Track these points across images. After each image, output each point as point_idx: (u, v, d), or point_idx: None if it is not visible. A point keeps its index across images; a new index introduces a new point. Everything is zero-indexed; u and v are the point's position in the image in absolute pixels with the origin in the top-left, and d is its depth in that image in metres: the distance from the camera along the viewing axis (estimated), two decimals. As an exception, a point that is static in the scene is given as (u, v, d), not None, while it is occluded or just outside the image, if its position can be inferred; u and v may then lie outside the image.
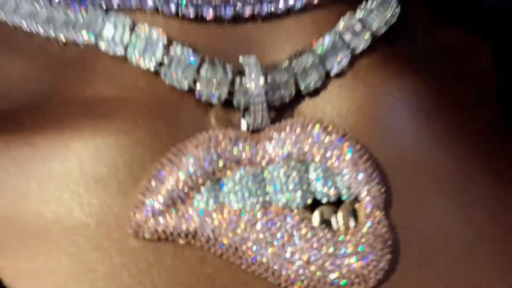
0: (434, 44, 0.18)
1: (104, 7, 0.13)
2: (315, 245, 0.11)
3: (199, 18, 0.13)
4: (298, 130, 0.12)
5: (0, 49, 0.15)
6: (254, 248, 0.11)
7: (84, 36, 0.13)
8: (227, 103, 0.13)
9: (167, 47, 0.13)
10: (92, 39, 0.13)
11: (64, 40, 0.14)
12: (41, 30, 0.14)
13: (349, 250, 0.11)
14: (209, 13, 0.13)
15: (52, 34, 0.14)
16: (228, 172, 0.12)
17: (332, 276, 0.11)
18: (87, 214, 0.12)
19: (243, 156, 0.12)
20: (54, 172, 0.13)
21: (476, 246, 0.13)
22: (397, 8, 0.16)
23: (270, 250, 0.11)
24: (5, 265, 0.13)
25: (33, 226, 0.13)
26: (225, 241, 0.11)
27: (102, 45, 0.13)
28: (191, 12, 0.13)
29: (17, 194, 0.13)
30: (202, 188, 0.11)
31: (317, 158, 0.12)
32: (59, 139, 0.13)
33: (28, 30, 0.14)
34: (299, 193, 0.12)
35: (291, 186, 0.12)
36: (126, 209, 0.12)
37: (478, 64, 0.18)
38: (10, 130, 0.14)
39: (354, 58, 0.14)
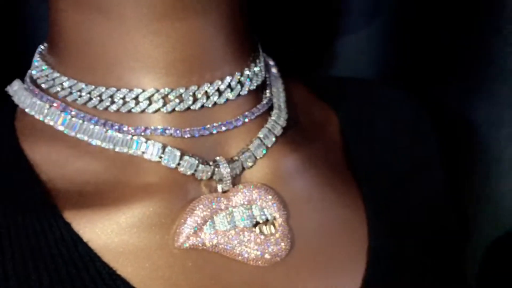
0: (307, 120, 0.33)
1: (142, 134, 0.26)
2: (258, 242, 0.26)
3: (192, 136, 0.26)
4: (246, 190, 0.26)
5: (70, 152, 0.27)
6: (231, 246, 0.25)
7: (135, 153, 0.26)
8: (209, 178, 0.27)
9: (181, 156, 0.26)
10: (140, 153, 0.26)
11: (119, 151, 0.26)
12: (103, 145, 0.26)
13: (273, 242, 0.26)
14: (197, 134, 0.26)
15: (111, 147, 0.26)
16: (217, 214, 0.25)
17: (266, 255, 0.26)
18: (144, 242, 0.25)
19: (222, 206, 0.26)
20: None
21: (332, 235, 0.28)
22: (286, 114, 0.30)
23: (240, 247, 0.25)
24: None
25: None
26: (222, 244, 0.25)
27: (146, 156, 0.26)
28: (188, 134, 0.26)
29: None
30: (207, 223, 0.25)
31: (255, 201, 0.26)
32: (120, 208, 0.25)
33: (93, 143, 0.26)
34: (249, 221, 0.26)
35: (245, 217, 0.26)
36: (168, 236, 0.25)
37: (331, 127, 0.33)
38: (83, 204, 0.25)
39: (267, 149, 0.28)
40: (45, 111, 0.27)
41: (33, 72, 0.28)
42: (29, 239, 0.24)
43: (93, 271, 0.23)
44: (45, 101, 0.27)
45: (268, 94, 0.30)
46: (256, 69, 0.29)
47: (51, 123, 0.27)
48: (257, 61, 0.29)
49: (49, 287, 0.23)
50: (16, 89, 0.29)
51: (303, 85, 0.35)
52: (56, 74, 0.27)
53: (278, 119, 0.29)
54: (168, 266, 0.25)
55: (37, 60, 0.28)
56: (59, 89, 0.27)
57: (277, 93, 0.31)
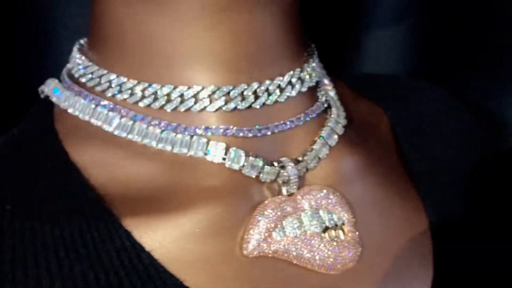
0: (358, 119, 0.31)
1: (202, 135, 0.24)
2: (329, 247, 0.24)
3: (254, 136, 0.25)
4: (313, 192, 0.25)
5: (122, 154, 0.25)
6: (300, 253, 0.24)
7: (196, 154, 0.24)
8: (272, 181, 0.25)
9: (245, 157, 0.24)
10: (202, 154, 0.24)
11: (178, 153, 0.24)
12: (159, 146, 0.24)
13: (343, 248, 0.24)
14: (259, 134, 0.25)
15: (169, 149, 0.24)
16: (285, 219, 0.24)
17: (337, 262, 0.24)
18: (209, 251, 0.23)
19: (290, 210, 0.24)
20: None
21: (397, 239, 0.27)
22: (343, 112, 0.28)
23: (310, 253, 0.24)
24: None
25: None
26: (293, 251, 0.23)
27: (208, 158, 0.24)
28: (250, 134, 0.25)
29: None
30: (276, 229, 0.24)
31: (323, 206, 0.25)
32: (182, 214, 0.23)
33: (148, 144, 0.24)
34: (318, 225, 0.24)
35: (315, 221, 0.24)
36: (234, 244, 0.23)
37: (382, 126, 0.32)
38: (141, 210, 0.23)
39: (330, 148, 0.26)
40: (91, 111, 0.25)
41: (74, 69, 0.26)
42: (87, 249, 0.22)
43: (159, 282, 0.22)
44: (90, 100, 0.25)
45: (323, 92, 0.28)
46: (314, 64, 0.27)
47: (99, 123, 0.25)
48: (314, 57, 0.28)
49: None
50: (55, 86, 0.26)
51: (344, 84, 0.34)
52: (103, 71, 0.25)
53: (338, 118, 0.27)
54: (236, 276, 0.23)
55: (78, 57, 0.26)
56: (106, 87, 0.25)
57: (331, 93, 0.29)
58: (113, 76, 0.25)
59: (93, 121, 0.25)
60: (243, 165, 0.24)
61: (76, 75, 0.26)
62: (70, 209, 0.23)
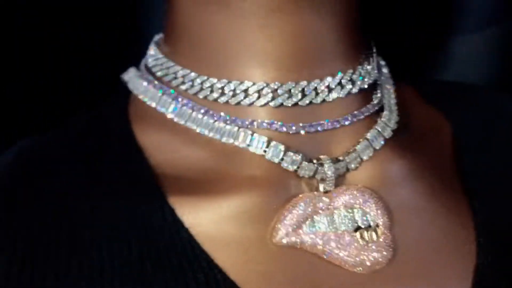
0: (417, 125, 0.31)
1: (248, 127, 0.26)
2: (359, 247, 0.25)
3: (297, 133, 0.26)
4: (349, 192, 0.25)
5: (179, 140, 0.27)
6: (330, 249, 0.24)
7: (240, 144, 0.26)
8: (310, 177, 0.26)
9: (285, 152, 0.26)
10: (245, 145, 0.26)
11: (225, 142, 0.26)
12: (211, 135, 0.27)
13: (373, 250, 0.25)
14: (302, 131, 0.26)
15: (218, 138, 0.26)
16: (317, 214, 0.25)
17: (366, 262, 0.24)
18: (243, 235, 0.25)
19: (323, 206, 0.25)
20: None
21: (437, 249, 0.26)
22: (397, 116, 0.28)
23: (339, 251, 0.24)
24: None
25: None
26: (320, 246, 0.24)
27: (251, 149, 0.26)
28: (293, 130, 0.26)
29: None
30: (307, 222, 0.25)
31: (357, 205, 0.25)
32: (223, 197, 0.25)
33: (201, 132, 0.27)
34: (350, 224, 0.25)
35: (347, 220, 0.25)
36: (266, 231, 0.25)
37: (442, 135, 0.31)
38: (188, 191, 0.25)
39: (375, 151, 0.27)
40: (157, 98, 0.28)
41: (149, 60, 0.30)
42: (135, 221, 0.25)
43: (192, 257, 0.24)
44: (158, 89, 0.28)
45: (379, 95, 0.29)
46: (369, 67, 0.28)
47: (163, 110, 0.28)
48: (370, 59, 0.28)
49: (150, 269, 0.24)
50: (131, 76, 0.30)
51: (413, 89, 0.33)
52: (170, 63, 0.28)
53: (388, 121, 0.28)
54: (265, 261, 0.24)
55: (153, 50, 0.30)
56: (172, 77, 0.28)
57: (387, 94, 0.29)
58: (178, 68, 0.27)
59: (158, 107, 0.28)
60: (282, 159, 0.25)
61: (150, 65, 0.29)
62: (127, 183, 0.26)
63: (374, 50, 0.29)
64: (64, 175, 0.27)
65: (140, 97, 0.29)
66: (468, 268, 0.26)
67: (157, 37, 0.31)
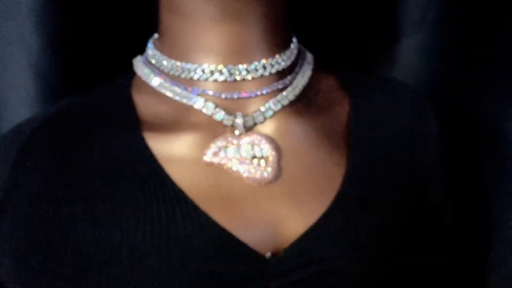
0: (321, 101, 0.46)
1: (199, 94, 0.42)
2: (252, 169, 0.40)
3: (226, 98, 0.42)
4: (252, 135, 0.41)
5: (158, 101, 0.44)
6: (236, 167, 0.40)
7: (192, 104, 0.42)
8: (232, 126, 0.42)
9: (215, 108, 0.42)
10: (192, 103, 0.42)
11: (184, 102, 0.43)
12: (176, 98, 0.43)
13: (263, 170, 0.40)
14: (229, 96, 0.42)
15: (179, 99, 0.43)
16: (229, 145, 0.41)
17: (257, 176, 0.40)
18: (191, 156, 0.41)
19: (234, 142, 0.41)
20: None
21: (314, 174, 0.42)
22: (298, 93, 0.43)
23: (241, 169, 0.40)
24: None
25: None
26: (229, 164, 0.40)
27: (195, 106, 0.42)
28: (225, 96, 0.42)
29: None
30: (223, 149, 0.40)
31: (256, 143, 0.41)
32: (180, 135, 0.42)
33: (171, 96, 0.43)
34: (249, 154, 0.40)
35: (247, 151, 0.40)
36: (201, 155, 0.41)
37: (341, 108, 0.46)
38: (158, 130, 0.42)
39: (274, 113, 0.42)
40: (148, 75, 0.45)
41: (148, 51, 0.47)
42: (118, 146, 0.39)
43: (151, 168, 0.39)
44: (150, 69, 0.45)
45: (289, 77, 0.44)
46: (280, 59, 0.43)
47: (149, 81, 0.44)
48: (285, 52, 0.43)
49: (119, 175, 0.39)
50: (137, 60, 0.47)
51: (333, 77, 0.48)
52: (157, 53, 0.45)
53: (288, 95, 0.43)
54: (198, 172, 0.40)
55: (150, 44, 0.47)
56: (157, 61, 0.44)
57: (300, 78, 0.44)
58: (160, 56, 0.44)
59: (147, 80, 0.45)
60: (212, 113, 0.41)
61: (147, 55, 0.46)
62: (121, 125, 0.43)
63: (294, 46, 0.44)
64: (82, 120, 0.40)
65: (138, 74, 0.46)
66: (331, 193, 0.41)
67: (155, 35, 0.48)
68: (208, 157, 0.40)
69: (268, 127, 0.42)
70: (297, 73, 0.44)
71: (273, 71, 0.42)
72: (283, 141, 0.42)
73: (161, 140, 0.41)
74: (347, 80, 0.46)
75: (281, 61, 0.43)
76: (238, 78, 0.41)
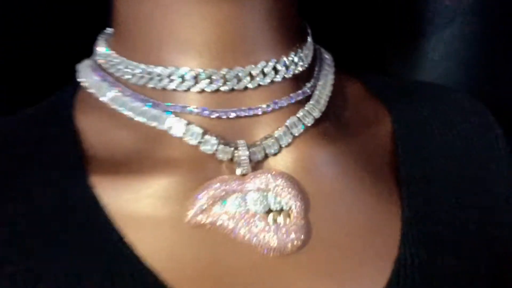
0: (353, 117, 0.31)
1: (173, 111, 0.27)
2: (268, 230, 0.25)
3: (218, 117, 0.27)
4: (263, 175, 0.26)
5: (112, 124, 0.28)
6: (239, 230, 0.25)
7: (163, 128, 0.27)
8: (230, 160, 0.27)
9: (202, 135, 0.26)
10: (166, 128, 0.27)
11: (149, 125, 0.27)
12: (137, 118, 0.28)
13: (284, 232, 0.25)
14: (224, 115, 0.27)
15: (143, 121, 0.27)
16: (230, 195, 0.25)
17: (274, 243, 0.25)
18: (159, 213, 0.26)
19: (236, 188, 0.26)
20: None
21: (357, 234, 0.27)
22: (324, 107, 0.29)
23: (248, 232, 0.25)
24: None
25: None
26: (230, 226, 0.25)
27: (171, 132, 0.27)
28: (215, 115, 0.27)
29: None
30: (218, 203, 0.25)
31: (271, 189, 0.26)
32: (143, 178, 0.26)
33: (130, 116, 0.28)
34: (262, 207, 0.25)
35: (258, 202, 0.25)
36: (181, 211, 0.26)
37: (381, 127, 0.31)
38: (111, 171, 0.26)
39: (294, 138, 0.27)
40: (97, 85, 0.29)
41: (97, 51, 0.31)
42: (55, 197, 0.26)
43: (103, 232, 0.25)
44: (99, 76, 0.29)
45: (308, 85, 0.29)
46: (296, 58, 0.28)
47: (100, 95, 0.29)
48: (300, 50, 0.29)
49: (63, 241, 0.25)
50: (82, 66, 0.31)
51: (360, 83, 0.34)
52: (109, 52, 0.29)
53: (312, 110, 0.28)
54: (175, 239, 0.25)
55: (100, 40, 0.31)
56: (110, 65, 0.29)
57: (322, 86, 0.30)
58: (115, 56, 0.29)
59: (97, 93, 0.29)
60: (200, 142, 0.26)
61: (96, 57, 0.31)
62: (57, 164, 0.27)
63: (309, 43, 0.30)
64: (2, 157, 0.28)
65: (84, 84, 0.30)
66: (388, 258, 0.26)
67: (108, 29, 0.32)
68: (193, 215, 0.25)
69: (286, 161, 0.27)
70: (317, 80, 0.30)
71: (288, 75, 0.28)
72: (310, 181, 0.27)
73: (118, 189, 0.26)
74: (377, 86, 0.33)
75: (298, 60, 0.28)
76: (236, 87, 0.27)
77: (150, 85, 0.27)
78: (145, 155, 0.27)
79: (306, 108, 0.28)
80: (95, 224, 0.25)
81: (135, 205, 0.26)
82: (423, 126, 0.32)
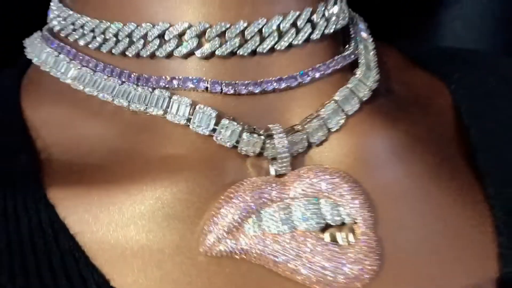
0: (405, 90, 0.24)
1: (166, 87, 0.18)
2: (328, 256, 0.16)
3: (236, 94, 0.18)
4: (311, 174, 0.17)
5: (78, 113, 0.20)
6: (284, 258, 0.16)
7: (154, 111, 0.18)
8: (258, 155, 0.18)
9: (217, 119, 0.18)
10: (161, 112, 0.18)
11: (135, 110, 0.19)
12: (116, 101, 0.19)
13: (351, 259, 0.17)
14: (243, 90, 0.18)
15: (125, 105, 0.19)
16: (266, 208, 0.17)
17: (340, 278, 0.16)
18: (156, 241, 0.17)
19: (274, 196, 0.17)
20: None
21: (442, 249, 0.19)
22: (377, 75, 0.21)
23: (299, 261, 0.16)
24: None
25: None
26: (270, 254, 0.16)
27: (169, 117, 0.18)
28: (231, 90, 0.18)
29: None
30: (250, 220, 0.17)
31: (325, 194, 0.17)
32: (128, 189, 0.18)
33: (104, 99, 0.19)
34: (315, 221, 0.17)
35: (309, 215, 0.17)
36: (192, 236, 0.17)
37: (439, 101, 0.24)
38: (81, 181, 0.18)
39: (347, 118, 0.19)
40: (53, 59, 0.20)
41: (49, 15, 0.22)
42: (6, 220, 0.17)
43: (75, 276, 0.16)
44: (55, 48, 0.20)
45: (351, 47, 0.21)
46: (335, 8, 0.20)
47: (58, 74, 0.20)
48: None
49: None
50: (31, 39, 0.22)
51: (398, 52, 0.26)
52: (69, 12, 0.20)
53: (365, 79, 0.20)
54: (188, 279, 0.16)
55: (53, 1, 0.22)
56: (71, 30, 0.20)
57: (365, 49, 0.22)
58: (77, 16, 0.20)
59: (53, 72, 0.20)
60: (214, 130, 0.18)
61: (49, 21, 0.22)
62: (3, 173, 0.18)
63: None
64: None
65: (34, 60, 0.21)
66: (487, 280, 0.19)
67: None
68: (212, 243, 0.16)
69: (337, 153, 0.19)
70: (358, 42, 0.22)
71: (328, 31, 0.20)
72: (373, 180, 0.19)
73: (94, 207, 0.17)
74: (424, 56, 0.25)
75: (339, 11, 0.20)
76: (260, 48, 0.18)
77: (132, 52, 0.19)
78: (130, 155, 0.18)
79: (357, 76, 0.20)
80: (65, 264, 0.16)
81: (122, 230, 0.17)
82: (491, 98, 0.24)
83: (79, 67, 0.20)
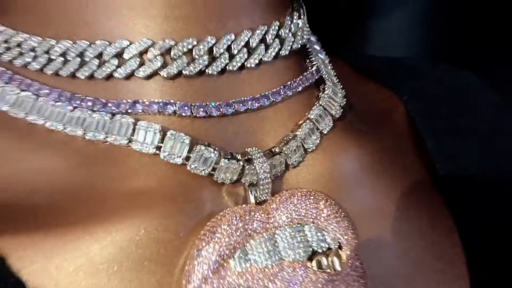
0: (363, 103, 0.24)
1: (128, 112, 0.16)
2: (319, 286, 0.16)
3: (207, 116, 0.17)
4: (294, 200, 0.16)
5: (20, 144, 0.17)
6: None
7: (116, 140, 0.16)
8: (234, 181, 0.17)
9: (191, 146, 0.16)
10: (125, 141, 0.16)
11: (93, 140, 0.16)
12: (68, 130, 0.17)
13: (342, 286, 0.16)
14: (215, 112, 0.17)
15: (80, 133, 0.16)
16: (251, 240, 0.16)
17: None
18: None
19: (258, 227, 0.16)
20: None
21: (423, 263, 0.19)
22: (342, 90, 0.20)
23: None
24: None
25: None
26: None
27: (135, 146, 0.16)
28: (202, 113, 0.17)
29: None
30: (235, 255, 0.15)
31: (309, 220, 0.16)
32: (94, 231, 0.16)
33: (52, 128, 0.17)
34: (302, 250, 0.16)
35: (296, 244, 0.16)
36: (172, 278, 0.15)
37: (396, 113, 0.24)
38: (31, 224, 0.16)
39: (321, 136, 0.18)
40: None
41: None
42: None
43: None
44: None
45: (315, 62, 0.20)
46: (300, 22, 0.19)
47: None
48: (300, 12, 0.20)
49: None
50: None
51: (345, 63, 0.26)
52: (3, 29, 0.17)
53: (334, 95, 0.19)
54: None
55: None
56: (3, 49, 0.17)
57: (323, 65, 0.21)
58: (11, 33, 0.17)
59: None
60: (188, 158, 0.16)
61: None
62: None
63: (302, 3, 0.21)
64: None
65: None
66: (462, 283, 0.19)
67: None
68: (195, 286, 0.15)
69: (311, 173, 0.18)
70: (317, 54, 0.21)
71: (296, 45, 0.19)
72: (350, 200, 0.18)
73: (47, 254, 0.15)
74: (370, 68, 0.25)
75: (303, 25, 0.19)
76: (228, 65, 0.17)
77: (84, 73, 0.16)
78: (91, 192, 0.16)
79: (326, 92, 0.19)
80: None
81: (89, 280, 0.15)
82: (442, 107, 0.25)
83: (17, 91, 0.17)
